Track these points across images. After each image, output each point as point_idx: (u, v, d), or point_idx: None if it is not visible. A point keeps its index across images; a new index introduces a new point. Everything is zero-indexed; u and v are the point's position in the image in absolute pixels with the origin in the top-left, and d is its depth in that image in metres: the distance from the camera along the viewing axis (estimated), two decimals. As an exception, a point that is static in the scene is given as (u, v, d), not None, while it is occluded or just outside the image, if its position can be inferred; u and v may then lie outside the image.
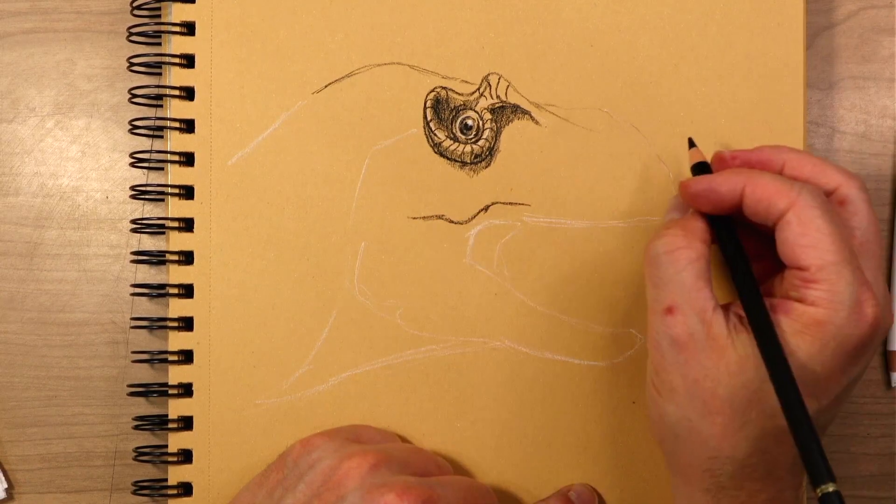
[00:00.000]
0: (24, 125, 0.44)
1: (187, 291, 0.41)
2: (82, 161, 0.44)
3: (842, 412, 0.45)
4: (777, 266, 0.35)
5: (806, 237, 0.32)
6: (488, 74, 0.42)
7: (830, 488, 0.29)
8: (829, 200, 0.34)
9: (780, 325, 0.33)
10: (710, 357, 0.33)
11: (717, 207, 0.35)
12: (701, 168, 0.37)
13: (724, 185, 0.34)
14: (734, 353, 0.33)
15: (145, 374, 0.43)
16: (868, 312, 0.32)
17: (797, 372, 0.31)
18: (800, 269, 0.33)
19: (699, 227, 0.35)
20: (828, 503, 0.29)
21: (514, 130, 0.42)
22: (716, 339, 0.33)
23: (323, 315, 0.41)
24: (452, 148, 0.42)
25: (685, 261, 0.34)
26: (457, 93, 0.42)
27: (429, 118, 0.41)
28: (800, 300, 0.33)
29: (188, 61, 0.41)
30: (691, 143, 0.39)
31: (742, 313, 0.34)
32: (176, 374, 0.41)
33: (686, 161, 0.41)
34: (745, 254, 0.35)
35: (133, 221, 0.42)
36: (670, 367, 0.34)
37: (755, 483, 0.34)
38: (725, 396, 0.33)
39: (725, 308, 0.34)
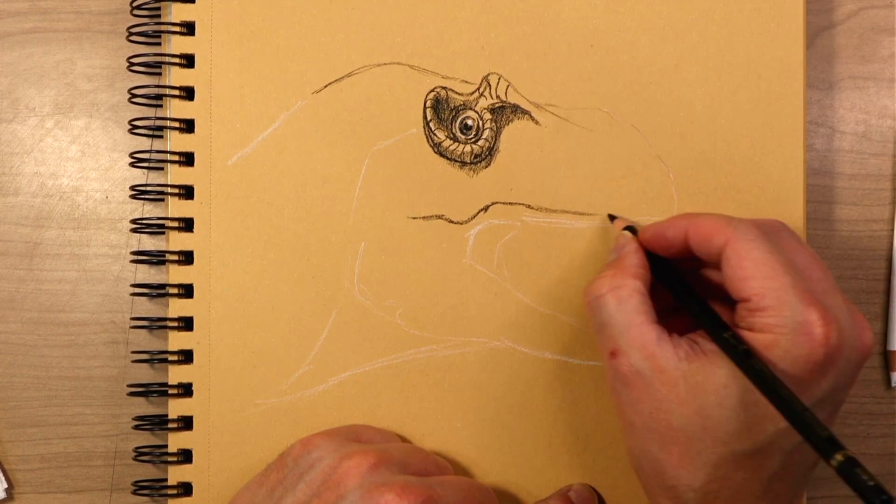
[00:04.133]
0: (24, 125, 0.44)
1: (187, 291, 0.41)
2: (82, 161, 0.44)
3: (841, 412, 0.45)
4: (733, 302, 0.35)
5: (743, 269, 0.33)
6: (488, 74, 0.42)
7: (840, 457, 0.28)
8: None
9: (720, 367, 0.33)
10: (659, 390, 0.33)
11: (668, 251, 0.36)
12: (630, 229, 0.39)
13: (669, 229, 0.36)
14: (684, 383, 0.33)
15: (145, 374, 0.43)
16: (817, 333, 0.32)
17: (756, 395, 0.32)
18: (743, 300, 0.33)
19: (631, 263, 0.36)
20: (845, 471, 0.28)
21: (514, 130, 0.42)
22: (664, 372, 0.33)
23: (323, 315, 0.41)
24: (452, 148, 0.42)
25: (616, 301, 0.35)
26: (457, 93, 0.42)
27: (429, 118, 0.41)
28: (748, 329, 0.33)
29: (188, 61, 0.41)
30: (612, 218, 0.41)
31: (696, 339, 0.34)
32: (176, 374, 0.41)
33: (686, 161, 0.41)
34: (681, 278, 0.36)
35: (133, 221, 0.42)
36: (625, 405, 0.35)
37: None
38: (679, 426, 0.33)
39: (675, 337, 0.34)
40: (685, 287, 0.36)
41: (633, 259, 0.37)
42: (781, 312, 0.32)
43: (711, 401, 0.33)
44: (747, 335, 0.33)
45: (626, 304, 0.35)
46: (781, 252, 0.33)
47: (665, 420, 0.33)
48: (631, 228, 0.39)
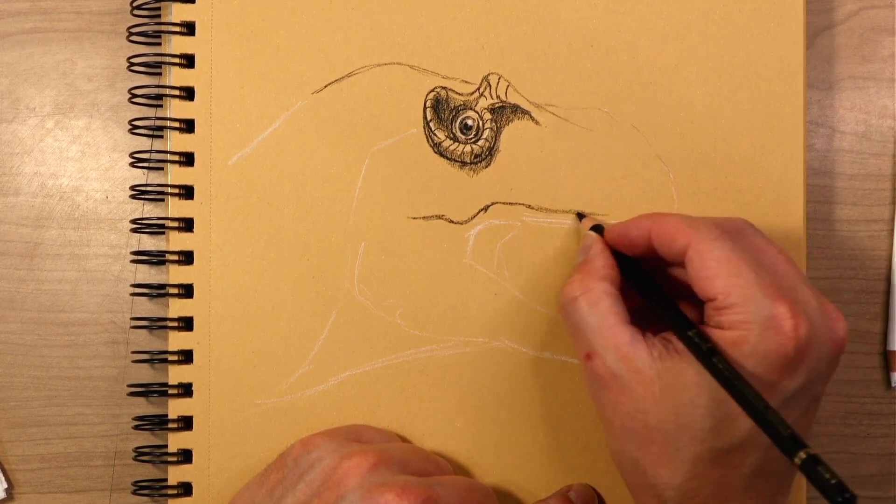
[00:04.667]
0: (24, 125, 0.44)
1: (187, 291, 0.41)
2: (82, 161, 0.44)
3: (841, 412, 0.45)
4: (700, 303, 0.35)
5: (707, 269, 0.33)
6: (488, 74, 0.42)
7: (803, 455, 0.28)
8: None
9: (691, 364, 0.33)
10: (636, 390, 0.34)
11: (633, 250, 0.37)
12: (597, 228, 0.39)
13: (633, 229, 0.36)
14: (659, 382, 0.33)
15: (145, 374, 0.43)
16: (785, 326, 0.32)
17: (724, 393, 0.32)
18: (710, 299, 0.33)
19: (598, 265, 0.36)
20: (808, 469, 0.28)
21: (514, 130, 0.42)
22: (639, 372, 0.34)
23: (323, 315, 0.41)
24: (452, 148, 0.42)
25: (587, 305, 0.35)
26: (457, 93, 0.42)
27: (429, 118, 0.41)
28: (718, 326, 0.33)
29: (188, 61, 0.41)
30: (580, 217, 0.41)
31: (669, 338, 0.34)
32: (176, 374, 0.41)
33: (686, 161, 0.41)
34: (649, 276, 0.36)
35: (133, 221, 0.42)
36: (604, 407, 0.35)
37: None
38: (656, 425, 0.33)
39: (649, 336, 0.34)
40: (652, 286, 0.36)
41: (600, 260, 0.37)
42: (748, 308, 0.32)
43: (685, 399, 0.33)
44: (716, 333, 0.33)
45: (598, 307, 0.35)
46: (745, 250, 0.34)
47: (642, 420, 0.34)
48: (598, 228, 0.39)
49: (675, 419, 0.33)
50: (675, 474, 0.33)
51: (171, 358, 0.41)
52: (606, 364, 0.34)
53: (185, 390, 0.41)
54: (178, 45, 0.41)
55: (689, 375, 0.33)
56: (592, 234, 0.38)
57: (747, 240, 0.35)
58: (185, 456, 0.41)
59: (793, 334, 0.32)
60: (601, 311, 0.35)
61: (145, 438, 0.42)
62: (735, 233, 0.35)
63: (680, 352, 0.33)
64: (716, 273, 0.33)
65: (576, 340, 0.36)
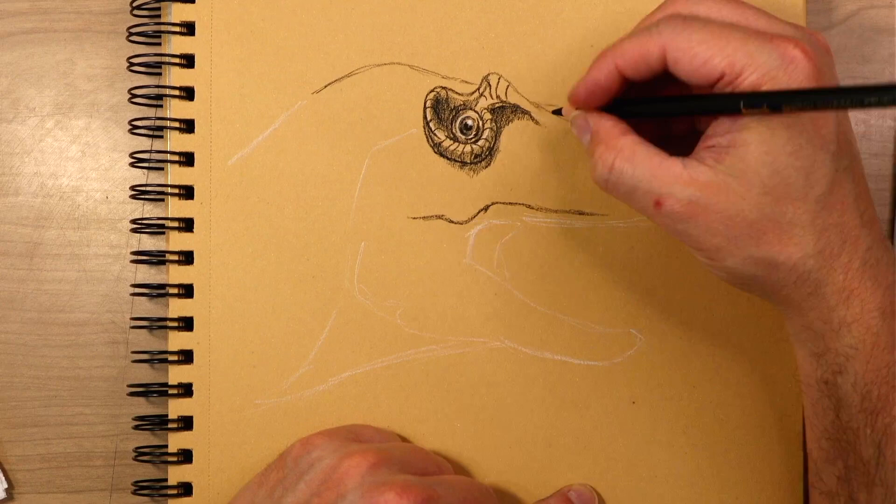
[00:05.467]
0: (24, 125, 0.44)
1: (187, 291, 0.41)
2: (82, 161, 0.44)
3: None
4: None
5: (699, 56, 0.33)
6: (488, 74, 0.42)
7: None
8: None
9: (748, 143, 0.33)
10: (717, 202, 0.33)
11: (609, 94, 0.36)
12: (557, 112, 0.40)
13: (599, 72, 0.35)
14: (733, 179, 0.33)
15: (145, 374, 0.43)
16: (795, 54, 0.32)
17: (796, 137, 0.33)
18: (719, 79, 0.33)
19: (607, 127, 0.36)
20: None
21: (514, 130, 0.42)
22: (710, 184, 0.33)
23: (323, 315, 0.41)
24: (452, 148, 0.42)
25: (627, 162, 0.34)
26: (457, 93, 0.42)
27: (429, 118, 0.41)
28: (742, 93, 0.33)
29: (188, 61, 0.41)
30: (557, 113, 0.40)
31: (707, 146, 0.34)
32: (176, 374, 0.41)
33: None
34: (656, 98, 0.37)
35: (133, 221, 0.42)
36: (700, 238, 0.34)
37: (837, 259, 0.34)
38: (758, 215, 0.33)
39: (695, 153, 0.34)
40: (665, 101, 0.36)
41: (604, 122, 0.36)
42: (759, 61, 0.32)
43: (765, 174, 0.33)
44: (748, 113, 0.33)
45: (637, 157, 0.34)
46: (712, 20, 0.34)
47: (743, 220, 0.33)
48: (559, 112, 0.40)
49: (770, 198, 0.33)
50: (803, 242, 0.33)
51: (171, 358, 0.41)
52: (679, 198, 0.33)
53: (185, 390, 0.41)
54: (177, 45, 0.41)
55: (755, 152, 0.33)
56: (578, 112, 0.37)
57: (705, 10, 0.35)
58: (185, 456, 0.41)
59: (805, 57, 0.32)
60: (641, 159, 0.34)
61: (145, 438, 0.42)
62: (692, 10, 0.35)
63: (728, 144, 0.33)
64: (709, 54, 0.33)
65: (635, 201, 0.35)
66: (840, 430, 0.35)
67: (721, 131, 0.33)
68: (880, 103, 0.30)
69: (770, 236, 0.33)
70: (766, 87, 0.32)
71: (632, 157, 0.34)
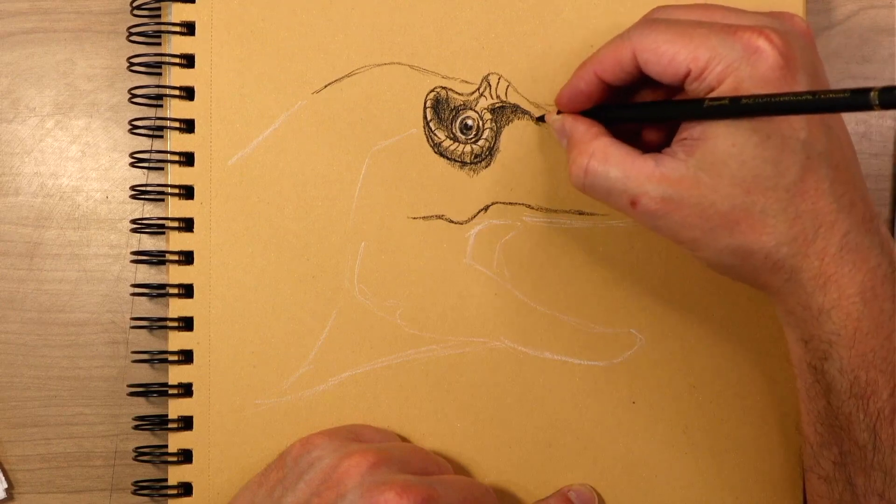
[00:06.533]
0: (24, 125, 0.44)
1: (187, 291, 0.41)
2: (82, 161, 0.44)
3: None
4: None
5: (664, 54, 0.34)
6: (488, 74, 0.42)
7: (874, 94, 0.29)
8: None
9: (716, 136, 0.33)
10: (690, 196, 0.34)
11: (591, 99, 0.38)
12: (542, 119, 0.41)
13: (579, 80, 0.37)
14: (703, 173, 0.34)
15: (145, 374, 0.43)
16: (760, 44, 0.33)
17: (765, 128, 0.33)
18: (686, 76, 0.34)
19: (583, 130, 0.37)
20: (886, 100, 0.29)
21: (514, 130, 0.42)
22: (682, 179, 0.34)
23: (323, 315, 0.41)
24: (452, 148, 0.42)
25: (601, 164, 0.35)
26: (457, 93, 0.42)
27: (429, 118, 0.41)
28: (709, 91, 0.34)
29: (188, 61, 0.41)
30: (541, 120, 0.42)
31: (682, 138, 0.35)
32: (176, 374, 0.41)
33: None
34: (627, 104, 0.38)
35: (133, 221, 0.42)
36: (677, 231, 0.35)
37: (811, 245, 0.34)
38: (729, 206, 0.34)
39: (665, 150, 0.35)
40: (636, 108, 0.37)
41: (581, 126, 0.37)
42: (721, 54, 0.33)
43: (734, 165, 0.33)
44: (715, 94, 0.34)
45: (611, 159, 0.35)
46: (678, 20, 0.35)
47: (715, 212, 0.34)
48: (542, 118, 0.41)
49: (740, 189, 0.33)
50: (776, 231, 0.34)
51: (171, 358, 0.41)
52: (653, 196, 0.34)
53: (185, 390, 0.41)
54: (178, 45, 0.41)
55: (722, 144, 0.33)
56: (557, 117, 0.39)
57: (671, 13, 0.36)
58: (185, 456, 0.41)
59: (770, 46, 0.33)
60: (615, 160, 0.35)
61: (145, 438, 0.42)
62: (659, 15, 0.36)
63: (697, 137, 0.34)
64: (673, 51, 0.34)
65: (613, 201, 0.36)
66: (833, 416, 0.35)
67: (692, 124, 0.34)
68: (834, 109, 0.30)
69: (743, 226, 0.34)
70: (730, 79, 0.33)
71: (605, 158, 0.35)
